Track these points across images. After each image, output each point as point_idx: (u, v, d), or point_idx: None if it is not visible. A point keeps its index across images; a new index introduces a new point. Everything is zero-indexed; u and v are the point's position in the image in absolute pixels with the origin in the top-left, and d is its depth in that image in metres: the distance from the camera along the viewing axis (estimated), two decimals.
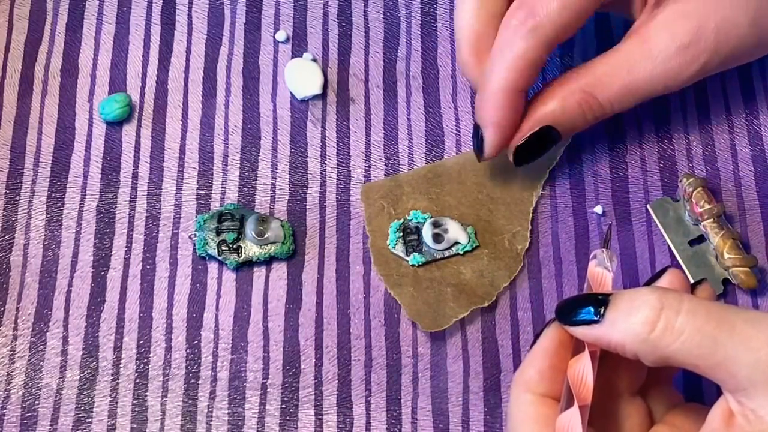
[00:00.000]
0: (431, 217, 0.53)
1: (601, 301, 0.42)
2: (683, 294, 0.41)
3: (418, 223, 0.53)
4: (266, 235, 0.53)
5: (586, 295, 0.43)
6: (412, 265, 0.53)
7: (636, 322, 0.41)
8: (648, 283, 0.45)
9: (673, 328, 0.40)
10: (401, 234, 0.53)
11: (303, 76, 0.57)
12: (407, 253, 0.53)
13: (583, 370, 0.43)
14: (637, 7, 0.52)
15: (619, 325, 0.41)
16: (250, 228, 0.53)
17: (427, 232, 0.53)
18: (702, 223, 0.53)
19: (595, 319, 0.42)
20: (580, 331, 0.43)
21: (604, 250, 0.45)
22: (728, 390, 0.41)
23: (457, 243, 0.53)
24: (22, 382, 0.51)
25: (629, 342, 0.41)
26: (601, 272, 0.45)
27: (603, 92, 0.51)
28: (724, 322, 0.40)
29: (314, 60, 0.58)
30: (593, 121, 0.52)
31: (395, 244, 0.53)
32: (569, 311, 0.43)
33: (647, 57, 0.50)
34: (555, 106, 0.51)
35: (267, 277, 0.53)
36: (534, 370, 0.44)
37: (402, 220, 0.53)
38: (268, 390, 0.51)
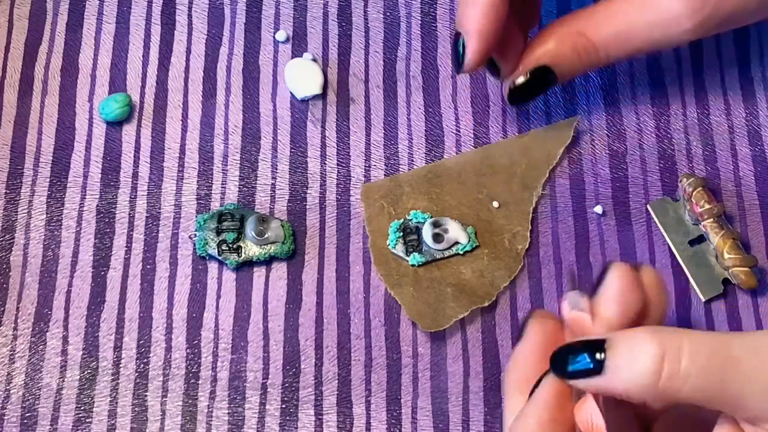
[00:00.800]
0: (431, 217, 0.53)
1: (596, 347, 0.40)
2: (681, 332, 0.39)
3: (418, 223, 0.53)
4: (266, 235, 0.53)
5: (578, 342, 0.41)
6: (412, 265, 0.53)
7: (640, 373, 0.39)
8: (597, 284, 0.43)
9: (678, 374, 0.39)
10: (401, 234, 0.53)
11: (303, 76, 0.57)
12: (407, 253, 0.53)
13: (591, 417, 0.41)
14: None
15: (622, 376, 0.39)
16: (250, 228, 0.53)
17: (427, 232, 0.53)
18: (702, 223, 0.53)
19: (594, 368, 0.40)
20: (581, 384, 0.40)
21: (576, 291, 0.43)
22: (742, 419, 0.40)
23: (457, 243, 0.53)
24: (22, 382, 0.51)
25: (635, 392, 0.39)
26: (578, 315, 0.43)
27: (598, 35, 0.51)
28: (728, 357, 0.39)
29: (314, 60, 0.58)
30: (588, 66, 0.52)
31: (395, 244, 0.53)
32: (564, 361, 0.41)
33: (646, 5, 0.50)
34: (550, 46, 0.51)
35: (267, 277, 0.53)
36: (534, 421, 0.41)
37: (402, 220, 0.53)
38: (268, 390, 0.51)
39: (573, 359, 0.40)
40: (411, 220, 0.53)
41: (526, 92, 0.52)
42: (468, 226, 0.53)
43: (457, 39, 0.51)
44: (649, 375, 0.39)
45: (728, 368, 0.39)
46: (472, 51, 0.50)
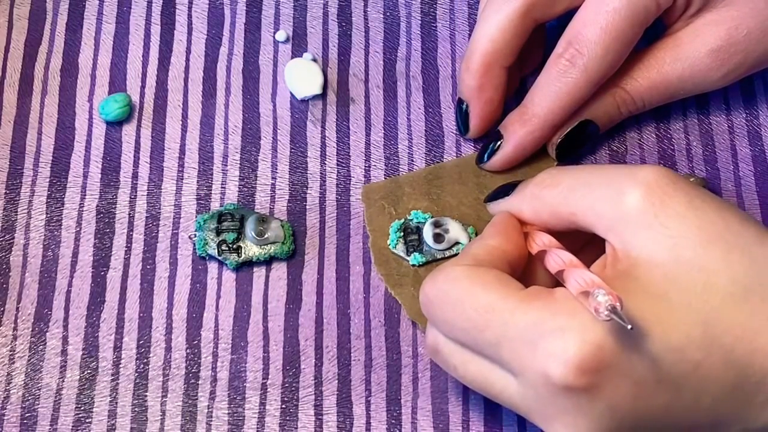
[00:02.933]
0: (432, 217, 0.53)
1: (513, 186, 0.49)
2: (562, 169, 0.48)
3: (418, 223, 0.53)
4: (266, 235, 0.53)
5: (512, 181, 0.51)
6: (413, 265, 0.53)
7: (530, 184, 0.48)
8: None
9: (554, 179, 0.46)
10: (402, 234, 0.53)
11: (303, 76, 0.57)
12: (408, 253, 0.53)
13: (559, 258, 0.45)
14: (674, 15, 0.53)
15: (520, 191, 0.48)
16: (250, 228, 0.53)
17: (427, 232, 0.53)
18: None
19: (506, 195, 0.49)
20: (494, 205, 0.50)
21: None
22: (601, 233, 0.44)
23: (458, 243, 0.53)
24: (22, 382, 0.51)
25: (526, 203, 0.47)
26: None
27: (634, 88, 0.53)
28: (596, 169, 0.46)
29: (314, 60, 0.58)
30: (627, 114, 0.55)
31: (396, 244, 0.53)
32: (497, 194, 0.51)
33: (676, 59, 0.53)
34: (591, 100, 0.53)
35: (267, 277, 0.53)
36: (492, 230, 0.48)
37: (403, 220, 0.53)
38: (268, 390, 0.51)
39: (499, 193, 0.50)
40: (412, 220, 0.53)
41: (571, 146, 0.54)
42: (469, 226, 0.53)
43: (460, 104, 0.54)
44: (535, 185, 0.47)
45: (594, 176, 0.45)
46: (476, 117, 0.54)
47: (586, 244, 0.47)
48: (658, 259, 0.42)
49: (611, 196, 0.44)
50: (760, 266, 0.42)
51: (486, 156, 0.54)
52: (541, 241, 0.46)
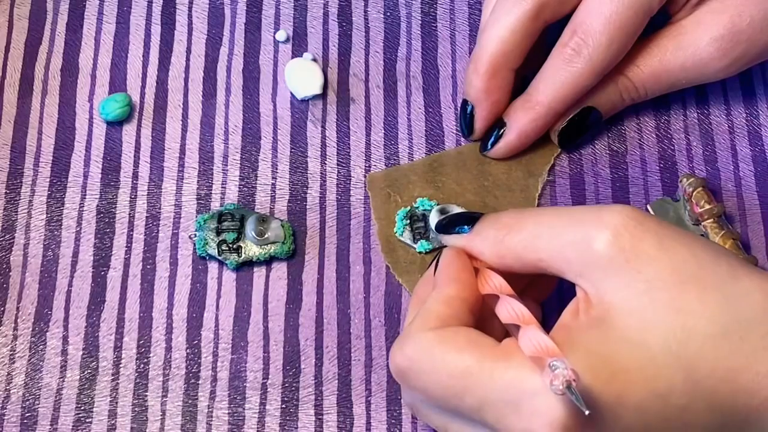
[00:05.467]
0: (438, 205, 0.53)
1: (474, 219, 0.47)
2: (526, 214, 0.46)
3: (425, 210, 0.54)
4: (266, 235, 0.53)
5: (464, 212, 0.50)
6: (420, 252, 0.53)
7: (492, 228, 0.46)
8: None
9: (518, 223, 0.45)
10: (408, 221, 0.53)
11: (303, 76, 0.57)
12: (415, 241, 0.53)
13: (492, 280, 0.45)
14: (678, 4, 0.53)
15: (481, 233, 0.46)
16: (250, 228, 0.53)
17: (434, 219, 0.53)
18: (702, 223, 0.53)
19: (465, 231, 0.47)
20: (452, 240, 0.48)
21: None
22: (571, 278, 0.43)
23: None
24: (22, 382, 0.51)
25: (488, 247, 0.45)
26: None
27: (636, 74, 0.53)
28: (560, 211, 0.45)
29: (314, 60, 0.58)
30: (630, 102, 0.55)
31: (403, 232, 0.53)
32: (449, 226, 0.48)
33: (679, 48, 0.52)
34: (595, 87, 0.53)
35: (267, 277, 0.53)
36: (443, 273, 0.46)
37: (409, 208, 0.54)
38: (268, 390, 0.51)
39: (455, 227, 0.48)
40: (418, 207, 0.54)
41: (574, 133, 0.54)
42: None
43: (465, 105, 0.54)
44: (498, 230, 0.45)
45: (559, 219, 0.44)
46: (482, 119, 0.54)
47: (538, 276, 0.46)
48: (634, 304, 0.41)
49: (579, 241, 0.42)
50: (736, 303, 0.41)
51: (489, 144, 0.54)
52: (492, 283, 0.45)
